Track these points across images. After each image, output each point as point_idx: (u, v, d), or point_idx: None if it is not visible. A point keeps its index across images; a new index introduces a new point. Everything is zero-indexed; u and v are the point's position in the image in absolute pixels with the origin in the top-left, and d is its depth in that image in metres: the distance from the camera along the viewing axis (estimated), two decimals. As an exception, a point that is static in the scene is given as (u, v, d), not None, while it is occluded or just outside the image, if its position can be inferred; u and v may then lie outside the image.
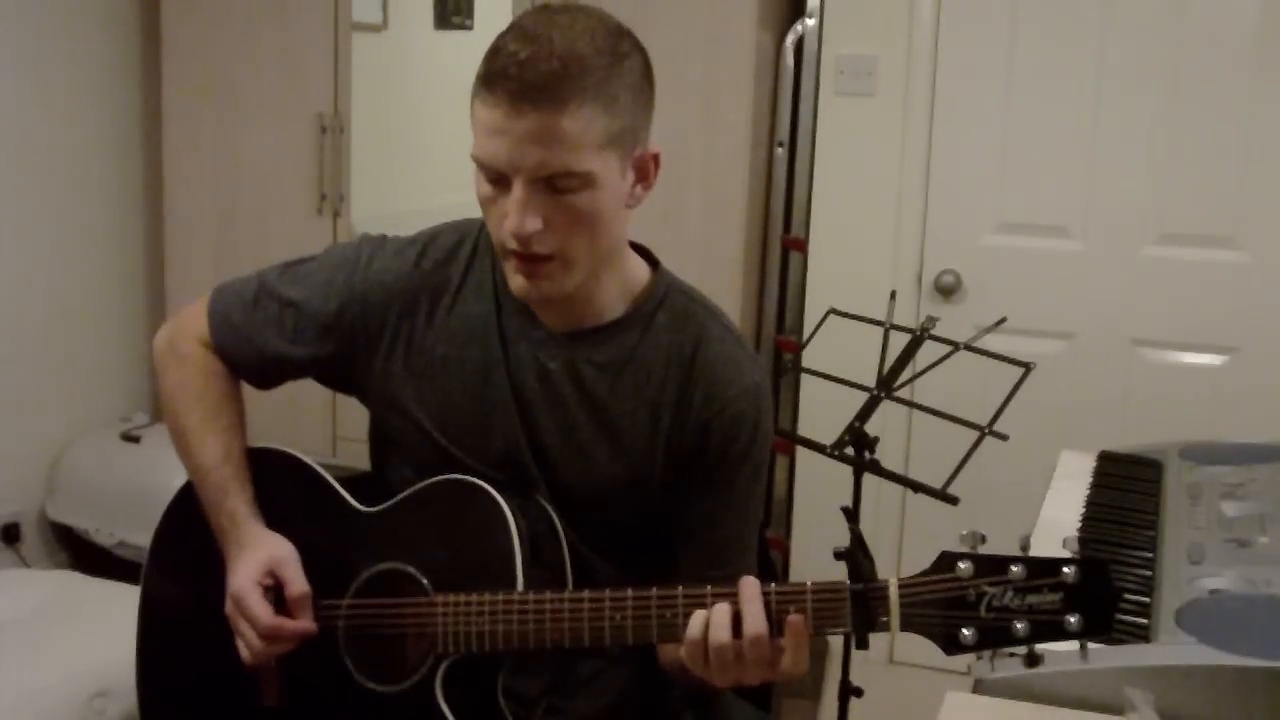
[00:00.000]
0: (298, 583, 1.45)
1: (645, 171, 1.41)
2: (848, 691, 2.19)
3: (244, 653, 1.45)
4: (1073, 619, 1.15)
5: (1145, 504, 1.82)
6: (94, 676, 2.24)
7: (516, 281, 1.38)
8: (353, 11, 3.26)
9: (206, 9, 3.34)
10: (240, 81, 3.34)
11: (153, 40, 3.44)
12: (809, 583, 1.25)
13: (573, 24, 1.32)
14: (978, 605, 1.17)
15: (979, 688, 1.31)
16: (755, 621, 1.24)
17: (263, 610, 1.42)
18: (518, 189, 1.31)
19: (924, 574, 1.20)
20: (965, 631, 1.18)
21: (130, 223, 3.55)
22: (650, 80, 1.39)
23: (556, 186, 1.32)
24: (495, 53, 1.31)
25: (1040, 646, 1.16)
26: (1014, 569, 1.17)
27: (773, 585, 1.26)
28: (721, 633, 1.24)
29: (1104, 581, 1.15)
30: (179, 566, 1.61)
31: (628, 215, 1.42)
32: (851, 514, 2.00)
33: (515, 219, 1.31)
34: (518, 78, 1.28)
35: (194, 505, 1.55)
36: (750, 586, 1.25)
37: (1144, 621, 1.42)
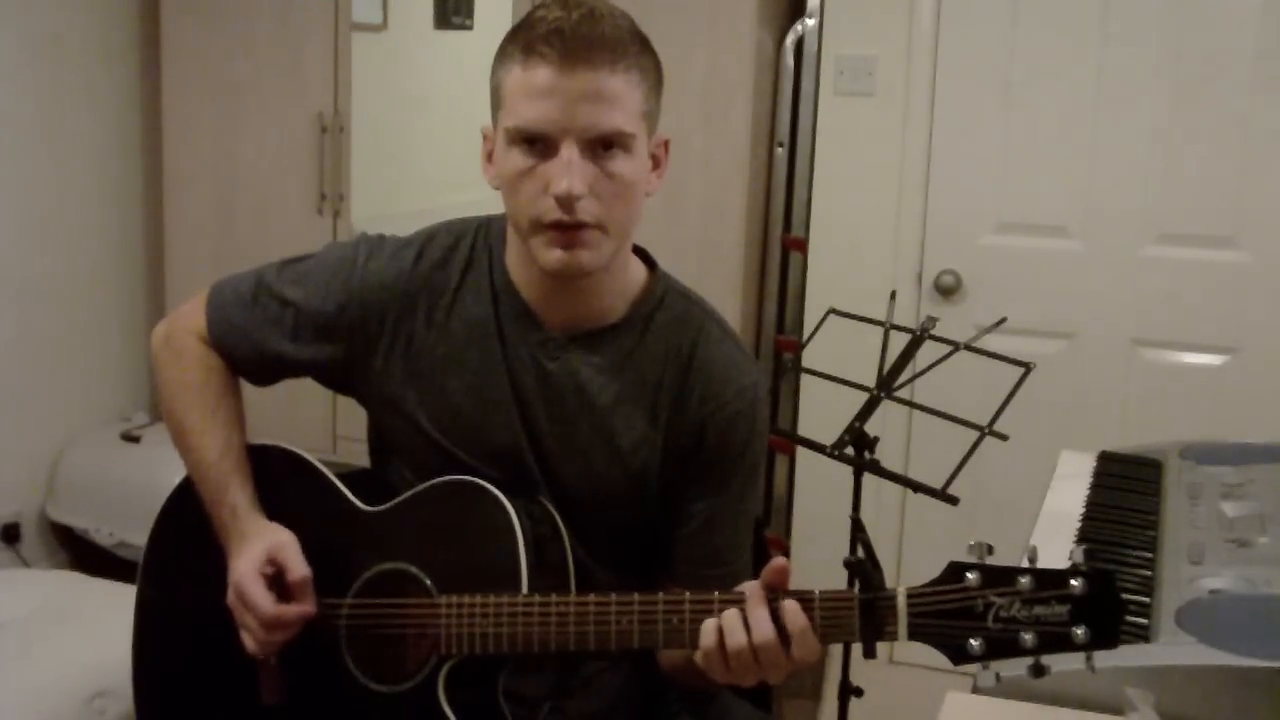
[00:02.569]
0: (297, 567, 1.44)
1: (658, 159, 1.43)
2: (848, 691, 2.19)
3: (248, 644, 1.45)
4: (1080, 631, 1.15)
5: (1145, 504, 1.82)
6: (94, 676, 2.24)
7: (552, 255, 1.36)
8: (353, 11, 3.26)
9: (206, 9, 3.34)
10: (240, 81, 3.34)
11: (153, 40, 3.44)
12: (816, 591, 1.25)
13: (604, 3, 1.36)
14: (985, 616, 1.17)
15: (978, 690, 1.31)
16: (762, 629, 1.24)
17: (264, 598, 1.42)
18: (566, 151, 1.32)
19: (932, 584, 1.20)
20: (973, 642, 1.18)
21: (130, 222, 3.55)
22: (663, 78, 1.41)
23: (602, 150, 1.33)
24: (536, 21, 1.33)
25: (1045, 656, 1.16)
26: (1022, 580, 1.17)
27: (779, 594, 1.26)
28: (738, 638, 1.24)
29: (1111, 593, 1.15)
30: (176, 564, 1.60)
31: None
32: (861, 524, 2.00)
33: (566, 181, 1.31)
34: (572, 35, 1.30)
35: (191, 503, 1.54)
36: (756, 596, 1.25)
37: (1144, 621, 1.42)
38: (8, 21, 3.15)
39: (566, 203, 1.32)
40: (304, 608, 1.44)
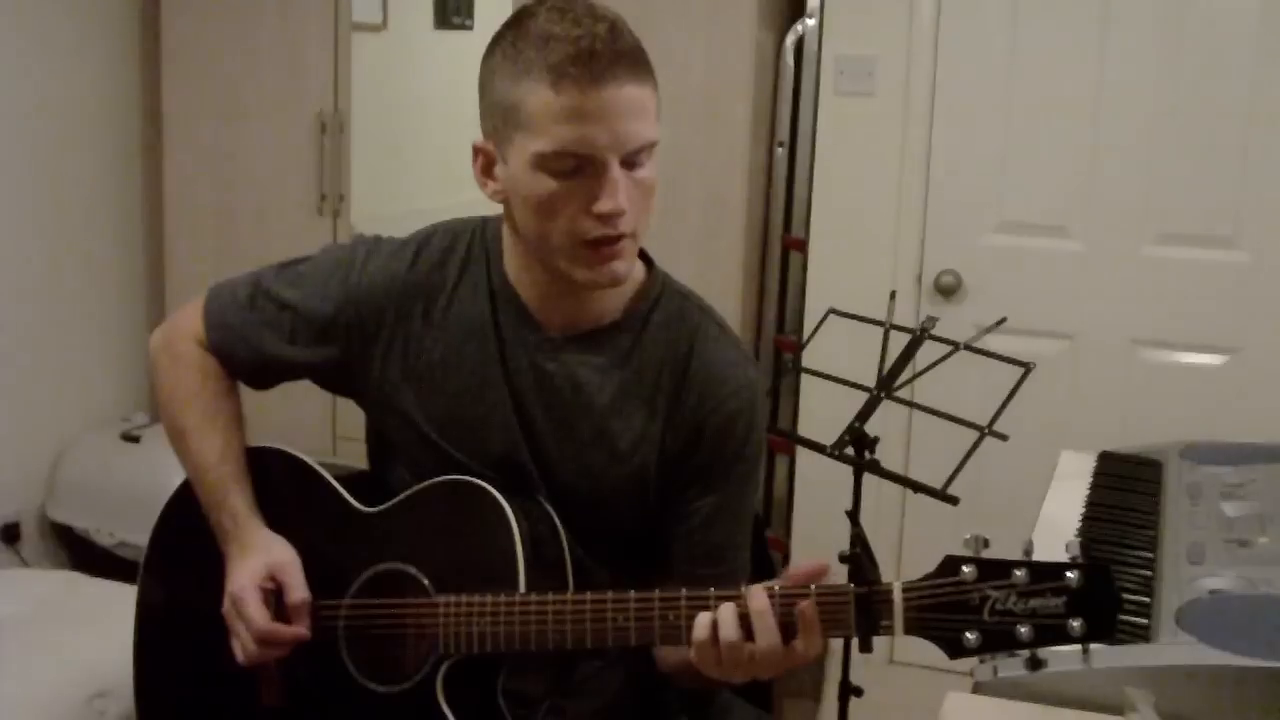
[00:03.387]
0: (298, 589, 1.44)
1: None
2: (848, 691, 2.19)
3: (238, 654, 1.45)
4: (1076, 623, 1.15)
5: (1145, 504, 1.82)
6: (94, 676, 2.24)
7: (592, 272, 1.36)
8: (353, 11, 3.27)
9: (206, 9, 3.34)
10: (240, 81, 3.34)
11: (153, 40, 3.44)
12: (813, 586, 1.25)
13: (607, 10, 1.34)
14: (981, 609, 1.18)
15: (979, 688, 1.31)
16: (767, 633, 1.24)
17: (260, 614, 1.42)
18: (615, 169, 1.31)
19: (928, 578, 1.20)
20: (969, 635, 1.18)
21: (130, 223, 3.55)
22: None
23: (634, 161, 1.33)
24: (552, 38, 1.30)
25: (1042, 650, 1.17)
26: (1017, 573, 1.17)
27: (776, 588, 1.26)
28: (731, 632, 1.24)
29: (1107, 586, 1.15)
30: (177, 567, 1.60)
31: None
32: (854, 517, 1.99)
33: (615, 199, 1.31)
34: (603, 52, 1.29)
35: (191, 505, 1.55)
36: (758, 598, 1.25)
37: (1144, 621, 1.42)
38: (7, 21, 3.15)
39: (613, 219, 1.32)
40: (299, 630, 1.44)
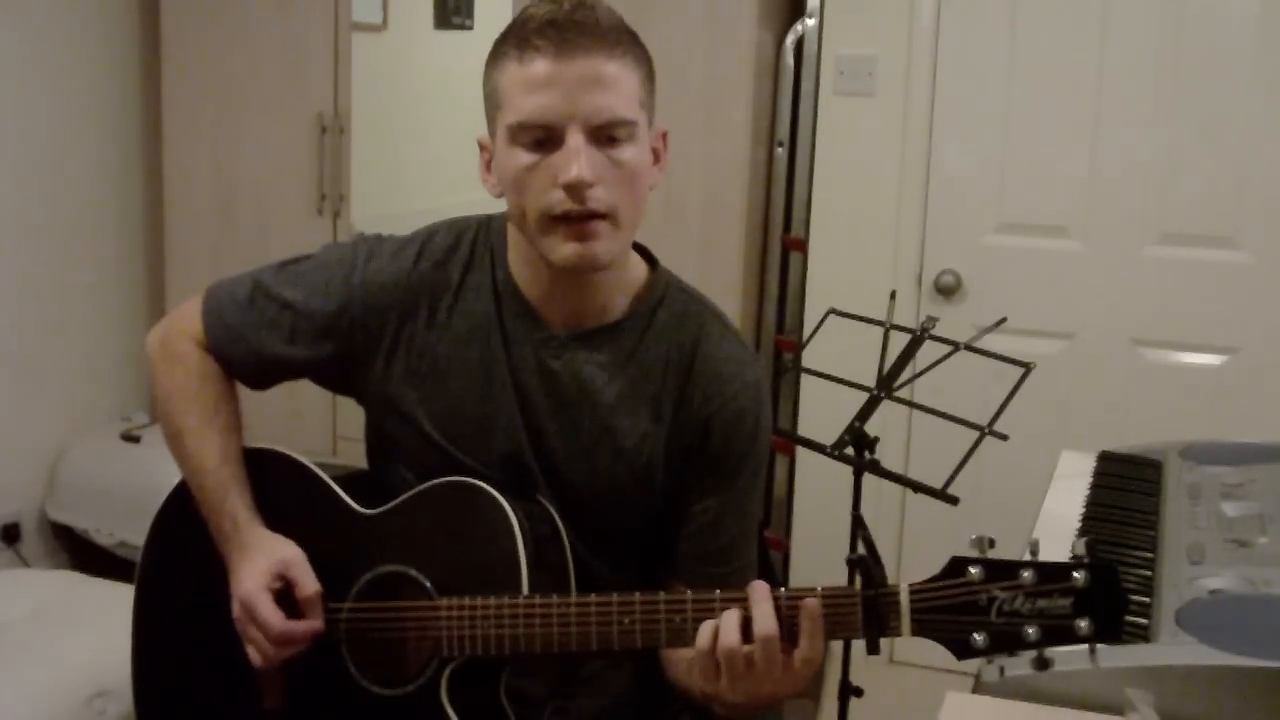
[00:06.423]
0: (309, 583, 1.43)
1: (658, 152, 1.43)
2: (848, 691, 2.19)
3: (255, 658, 1.44)
4: (1083, 623, 1.15)
5: (1145, 504, 1.82)
6: (94, 676, 2.24)
7: (567, 249, 1.35)
8: (353, 11, 3.26)
9: (206, 9, 3.34)
10: (240, 81, 3.34)
11: (153, 40, 3.44)
12: (819, 588, 1.25)
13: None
14: (989, 610, 1.18)
15: (979, 688, 1.31)
16: (765, 622, 1.23)
17: (274, 615, 1.41)
18: (573, 139, 1.31)
19: (935, 579, 1.20)
20: (977, 637, 1.18)
21: (130, 223, 3.55)
22: (654, 73, 1.41)
23: (607, 138, 1.33)
24: (527, 18, 1.34)
25: (1049, 650, 1.16)
26: (1024, 574, 1.17)
27: (783, 590, 1.26)
28: (731, 637, 1.24)
29: (1114, 585, 1.15)
30: (174, 569, 1.59)
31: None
32: (862, 521, 1.99)
33: (575, 167, 1.30)
34: (566, 24, 1.31)
35: (188, 507, 1.54)
36: (760, 589, 1.25)
37: (1144, 621, 1.42)
38: (7, 21, 3.15)
39: (577, 190, 1.32)
40: (313, 624, 1.43)
